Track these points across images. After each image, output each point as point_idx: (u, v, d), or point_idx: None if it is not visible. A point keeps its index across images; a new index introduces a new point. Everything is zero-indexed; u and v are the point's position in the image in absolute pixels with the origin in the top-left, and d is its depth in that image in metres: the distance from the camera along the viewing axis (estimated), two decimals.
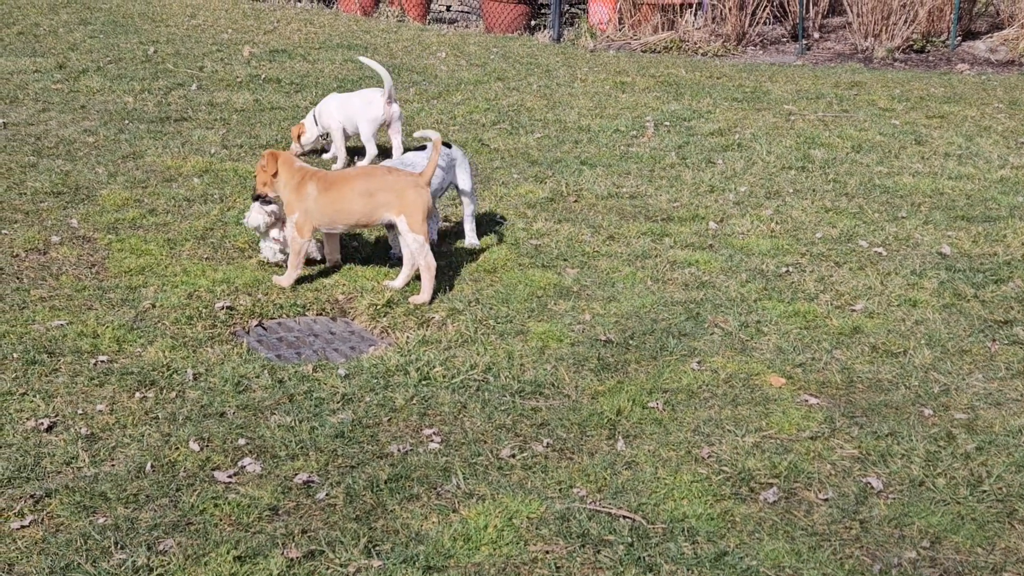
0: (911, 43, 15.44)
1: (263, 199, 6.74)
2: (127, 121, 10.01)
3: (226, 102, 10.96)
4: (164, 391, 5.32)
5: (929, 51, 15.47)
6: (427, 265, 6.46)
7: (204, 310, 6.21)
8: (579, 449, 4.99)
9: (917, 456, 4.97)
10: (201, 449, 4.82)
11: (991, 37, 15.82)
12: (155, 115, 10.30)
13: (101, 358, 5.58)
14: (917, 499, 4.66)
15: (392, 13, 17.34)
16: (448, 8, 18.77)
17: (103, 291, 6.39)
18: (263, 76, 12.17)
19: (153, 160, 8.91)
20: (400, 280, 6.66)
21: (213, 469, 4.68)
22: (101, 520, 4.29)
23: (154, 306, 6.22)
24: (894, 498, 4.67)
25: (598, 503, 4.56)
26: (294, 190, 6.61)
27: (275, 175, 6.66)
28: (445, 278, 6.81)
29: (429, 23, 17.48)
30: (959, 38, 15.73)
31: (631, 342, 6.07)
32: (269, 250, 6.87)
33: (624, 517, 4.47)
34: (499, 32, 16.57)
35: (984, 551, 4.35)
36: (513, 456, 4.90)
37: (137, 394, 5.26)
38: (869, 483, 4.77)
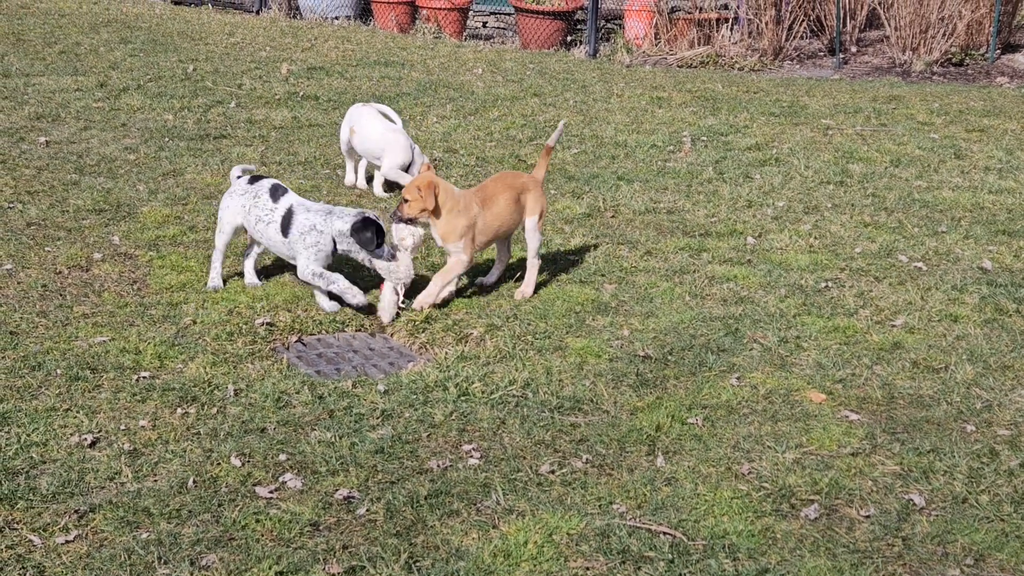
0: (950, 56, 15.36)
1: (410, 220, 6.52)
2: (167, 139, 10.10)
3: (264, 119, 11.04)
4: (205, 407, 5.35)
5: (968, 64, 15.39)
6: (536, 263, 6.86)
7: (244, 326, 6.25)
8: (618, 465, 4.99)
9: (960, 473, 4.93)
10: (242, 464, 4.84)
11: None
12: (195, 132, 10.38)
13: (143, 374, 5.62)
14: (960, 516, 4.63)
15: (428, 30, 17.41)
16: (484, 24, 18.83)
17: (144, 307, 6.45)
18: (301, 93, 12.25)
19: (193, 177, 8.98)
20: (494, 275, 7.03)
21: (254, 485, 4.71)
22: (144, 535, 4.33)
23: (195, 322, 6.27)
24: (937, 515, 4.64)
25: (638, 519, 4.56)
26: (462, 214, 6.51)
27: (435, 207, 6.45)
28: (482, 294, 6.83)
29: (465, 39, 17.55)
30: (998, 51, 15.63)
31: (670, 358, 6.06)
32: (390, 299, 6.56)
33: (664, 533, 4.46)
34: (535, 48, 16.61)
35: None
36: (552, 472, 4.90)
37: (179, 410, 5.30)
38: (911, 500, 4.74)
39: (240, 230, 6.81)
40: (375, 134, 8.76)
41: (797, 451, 5.11)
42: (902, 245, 7.84)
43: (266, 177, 6.84)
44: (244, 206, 6.70)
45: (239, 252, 7.33)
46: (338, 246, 6.52)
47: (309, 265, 6.50)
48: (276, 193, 6.66)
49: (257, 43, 15.53)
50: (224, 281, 6.84)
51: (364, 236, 6.42)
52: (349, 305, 6.57)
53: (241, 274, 6.99)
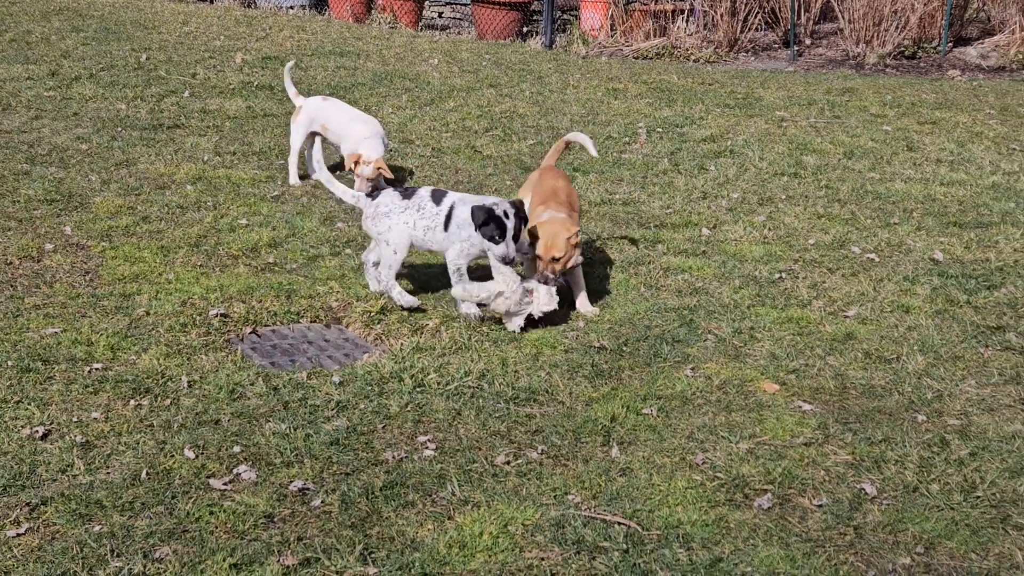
0: (902, 49, 15.49)
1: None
2: (120, 128, 10.01)
3: (219, 109, 10.97)
4: (159, 399, 5.31)
5: (920, 57, 15.53)
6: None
7: (198, 317, 6.21)
8: (574, 456, 5.00)
9: (911, 462, 4.98)
10: (196, 457, 4.82)
11: (982, 43, 15.88)
12: (148, 122, 10.30)
13: (96, 366, 5.57)
14: (911, 505, 4.68)
15: (384, 20, 17.35)
16: (440, 15, 18.80)
17: (97, 299, 6.39)
18: (256, 83, 12.18)
19: (146, 167, 8.91)
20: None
21: (208, 477, 4.68)
22: (97, 528, 4.29)
23: (148, 314, 6.22)
24: (888, 504, 4.68)
25: (593, 510, 4.57)
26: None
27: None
28: (439, 285, 6.82)
29: (421, 29, 17.50)
30: (950, 44, 15.78)
31: (625, 348, 6.08)
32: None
33: (619, 523, 4.48)
34: (491, 38, 16.59)
35: (978, 557, 4.36)
36: (508, 463, 4.90)
37: (132, 402, 5.26)
38: (863, 489, 4.78)
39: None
40: (349, 125, 8.72)
41: (751, 441, 5.14)
42: (855, 236, 7.91)
43: (420, 187, 6.61)
44: (408, 221, 6.46)
45: (193, 243, 7.28)
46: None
47: (457, 260, 6.43)
48: (437, 197, 6.48)
49: (211, 32, 15.42)
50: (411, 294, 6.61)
51: (487, 230, 6.28)
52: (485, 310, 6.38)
53: (199, 265, 6.94)
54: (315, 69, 13.15)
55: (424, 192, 6.52)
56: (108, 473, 4.67)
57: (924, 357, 6.04)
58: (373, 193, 6.75)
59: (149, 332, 6.01)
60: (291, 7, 18.20)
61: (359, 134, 8.53)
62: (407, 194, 6.54)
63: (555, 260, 6.31)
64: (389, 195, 6.55)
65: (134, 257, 7.01)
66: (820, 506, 4.66)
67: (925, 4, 15.41)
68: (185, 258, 7.06)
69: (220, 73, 12.61)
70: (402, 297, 6.45)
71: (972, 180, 9.39)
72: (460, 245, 6.39)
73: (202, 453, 4.85)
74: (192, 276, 6.78)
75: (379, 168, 8.27)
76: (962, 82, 14.19)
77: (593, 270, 7.17)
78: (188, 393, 5.38)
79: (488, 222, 6.24)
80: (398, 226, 6.46)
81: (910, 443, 5.14)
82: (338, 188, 6.69)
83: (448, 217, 6.40)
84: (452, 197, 6.46)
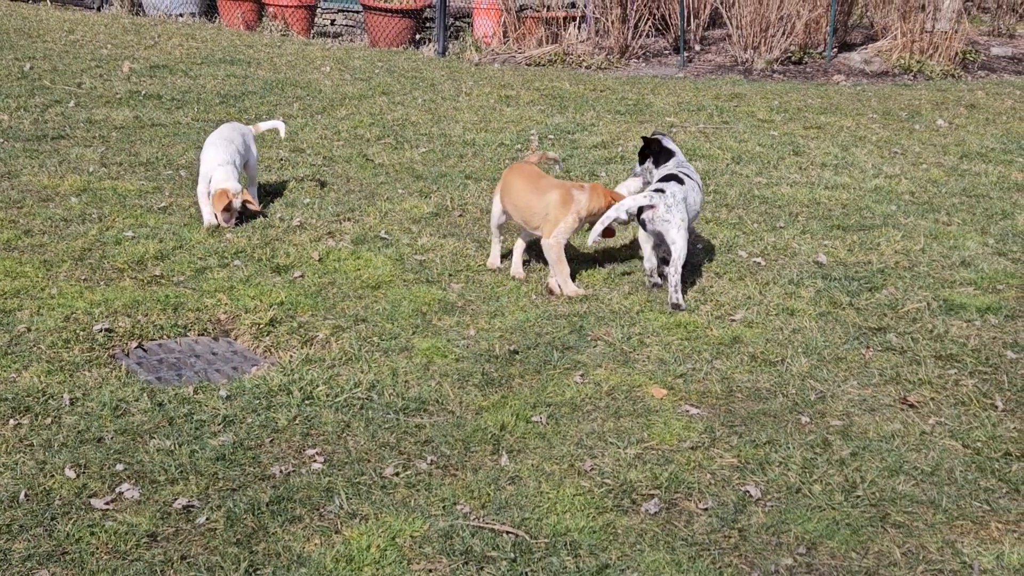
0: (789, 55, 15.77)
1: None
2: (1, 140, 9.79)
3: (105, 119, 10.78)
4: (39, 417, 5.20)
5: (807, 62, 15.82)
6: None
7: (82, 333, 6.10)
8: (463, 465, 5.00)
9: (794, 463, 5.07)
10: (77, 476, 4.73)
11: (866, 48, 16.23)
12: (31, 133, 10.09)
13: None
14: (794, 506, 4.76)
15: (276, 27, 17.22)
16: (332, 22, 18.70)
17: None
18: (143, 92, 12.00)
19: (29, 179, 8.73)
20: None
21: (90, 496, 4.60)
22: None
23: (29, 329, 6.09)
24: (772, 505, 4.76)
25: (481, 519, 4.58)
26: None
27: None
28: (328, 296, 6.79)
29: (313, 37, 17.40)
30: (835, 50, 16.11)
31: (515, 356, 6.10)
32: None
33: (507, 533, 4.49)
34: (384, 46, 16.55)
35: (858, 556, 4.45)
36: (397, 474, 4.89)
37: (11, 421, 5.14)
38: (748, 491, 4.85)
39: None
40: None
41: (638, 446, 5.19)
42: (742, 241, 8.03)
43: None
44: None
45: (78, 257, 7.15)
46: None
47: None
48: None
49: (98, 40, 15.16)
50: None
51: None
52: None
53: (83, 279, 6.81)
54: (204, 78, 12.99)
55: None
56: None
57: (808, 359, 6.15)
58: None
59: (30, 349, 5.88)
60: (180, 15, 17.97)
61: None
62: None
63: None
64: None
65: (15, 272, 6.85)
66: (706, 509, 4.72)
67: (811, 10, 15.71)
68: (69, 272, 6.92)
69: (107, 82, 12.40)
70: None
71: (855, 183, 9.59)
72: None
73: (84, 472, 4.76)
74: (76, 290, 6.65)
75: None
76: (846, 87, 14.49)
77: (483, 278, 7.19)
78: (70, 411, 5.28)
79: None
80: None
81: (793, 444, 5.23)
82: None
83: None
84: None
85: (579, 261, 7.54)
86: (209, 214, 7.91)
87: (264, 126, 8.95)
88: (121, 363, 5.86)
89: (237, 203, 7.88)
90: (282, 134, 9.33)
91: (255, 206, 8.07)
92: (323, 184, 9.06)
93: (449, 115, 11.78)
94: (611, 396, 5.70)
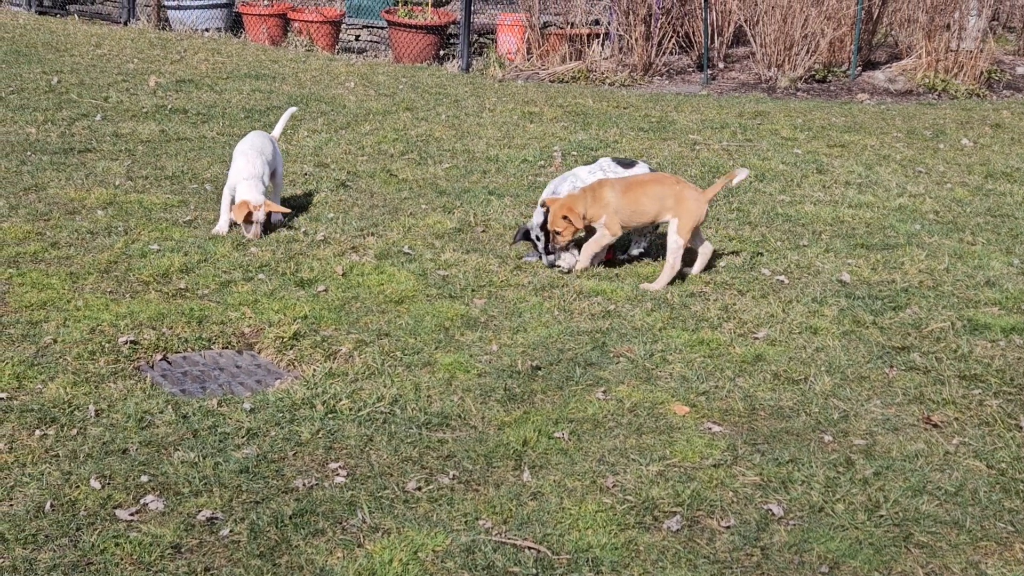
0: (813, 73, 15.76)
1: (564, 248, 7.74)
2: (29, 152, 9.87)
3: (131, 133, 10.86)
4: (65, 428, 5.24)
5: (831, 81, 15.81)
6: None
7: (107, 345, 6.14)
8: (485, 481, 5.01)
9: (817, 482, 5.06)
10: (102, 487, 4.75)
11: (890, 67, 16.21)
12: (58, 146, 10.16)
13: (0, 395, 5.48)
14: (816, 525, 4.75)
15: (300, 43, 17.31)
16: (357, 38, 18.78)
17: (3, 326, 6.29)
18: (169, 106, 12.08)
19: (56, 192, 8.79)
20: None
21: (115, 507, 4.63)
22: None
23: (55, 341, 6.14)
24: (794, 524, 4.75)
25: (503, 535, 4.59)
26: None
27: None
28: (351, 310, 6.81)
29: (338, 53, 17.48)
30: (859, 68, 16.09)
31: (538, 372, 6.11)
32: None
33: (529, 548, 4.50)
34: (408, 62, 16.62)
35: (880, 575, 4.44)
36: (419, 489, 4.90)
37: (37, 431, 5.18)
38: (770, 510, 4.85)
39: None
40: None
41: (661, 463, 5.19)
42: (765, 259, 8.02)
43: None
44: None
45: (103, 269, 7.19)
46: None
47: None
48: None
49: (125, 55, 15.27)
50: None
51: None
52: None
53: (109, 292, 6.85)
54: (230, 92, 13.07)
55: None
56: (11, 505, 4.60)
57: (831, 378, 6.14)
58: None
59: (56, 360, 5.92)
60: (206, 30, 18.08)
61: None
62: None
63: (557, 234, 7.48)
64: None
65: (42, 284, 6.91)
66: (728, 527, 4.72)
67: (835, 29, 15.70)
68: (95, 284, 6.97)
69: (133, 96, 12.49)
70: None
71: (879, 202, 9.57)
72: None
73: (108, 483, 4.79)
74: (102, 303, 6.69)
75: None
76: (870, 105, 14.47)
77: (506, 293, 7.21)
78: (95, 422, 5.31)
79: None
80: None
81: (816, 463, 5.22)
82: None
83: None
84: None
85: (600, 278, 7.55)
86: (225, 223, 8.00)
87: (277, 131, 8.98)
88: (146, 375, 5.89)
89: (260, 215, 7.93)
90: (293, 111, 9.39)
91: (280, 209, 8.15)
92: (347, 199, 9.10)
93: (472, 131, 11.81)
94: (633, 413, 5.70)
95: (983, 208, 9.55)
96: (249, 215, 7.88)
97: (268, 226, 8.13)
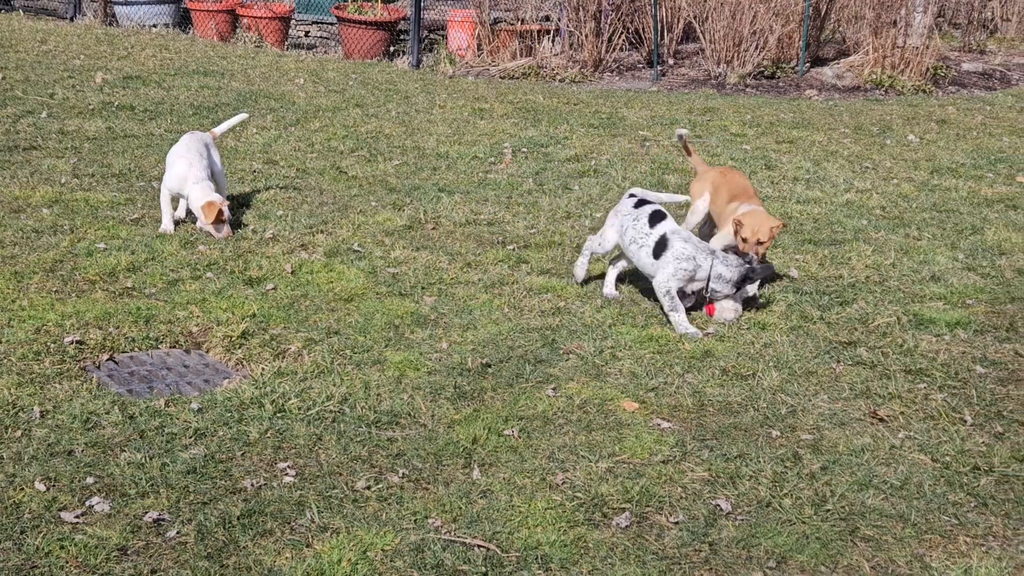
0: (762, 69, 15.86)
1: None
2: None
3: (78, 130, 10.75)
4: (9, 430, 5.18)
5: (779, 77, 15.91)
6: None
7: (52, 345, 6.08)
8: (435, 479, 5.01)
9: (764, 477, 5.09)
10: (47, 489, 4.70)
11: (838, 64, 16.34)
12: (3, 144, 10.04)
13: None
14: (764, 520, 4.78)
15: (249, 39, 17.19)
16: (307, 34, 18.68)
17: None
18: (116, 103, 11.96)
19: (0, 190, 8.68)
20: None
21: (60, 509, 4.58)
22: None
23: (0, 342, 6.06)
24: (742, 519, 4.78)
25: (453, 533, 4.58)
26: None
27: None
28: (300, 308, 6.78)
29: (287, 49, 17.38)
30: (807, 64, 16.20)
31: (488, 369, 6.10)
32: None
33: (479, 546, 4.50)
34: (358, 58, 16.55)
35: (828, 569, 4.48)
36: (368, 488, 4.89)
37: None
38: (718, 505, 4.87)
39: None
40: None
41: (610, 460, 5.21)
42: None
43: (651, 204, 7.12)
44: (623, 227, 7.11)
45: (49, 268, 7.12)
46: (711, 285, 6.80)
47: (669, 282, 6.76)
48: (654, 220, 6.96)
49: (71, 51, 15.11)
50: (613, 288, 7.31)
51: (745, 285, 6.87)
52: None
53: (55, 291, 6.78)
54: (178, 89, 12.97)
55: (647, 209, 7.10)
56: None
57: (779, 373, 6.19)
58: None
59: (0, 361, 5.85)
60: (154, 25, 17.92)
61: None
62: (639, 205, 7.17)
63: (760, 244, 7.08)
64: (631, 202, 7.23)
65: None
66: (676, 523, 4.74)
67: (783, 26, 15.80)
68: (40, 284, 6.90)
69: (79, 93, 12.36)
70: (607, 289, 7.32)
71: (827, 198, 9.65)
72: (676, 274, 6.85)
73: (54, 485, 4.74)
74: (47, 302, 6.62)
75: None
76: (818, 102, 14.58)
77: (456, 291, 7.20)
78: (40, 423, 5.26)
79: (748, 280, 6.97)
80: (615, 226, 7.26)
81: (764, 459, 5.26)
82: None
83: (661, 247, 6.88)
84: (666, 226, 6.98)
85: (550, 275, 7.56)
86: (169, 222, 7.94)
87: (221, 129, 8.91)
88: (92, 376, 5.83)
89: (228, 212, 7.92)
90: (244, 117, 9.29)
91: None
92: (296, 196, 9.06)
93: (423, 128, 11.79)
94: (583, 410, 5.71)
95: (928, 203, 9.65)
96: (220, 214, 7.84)
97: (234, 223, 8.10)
